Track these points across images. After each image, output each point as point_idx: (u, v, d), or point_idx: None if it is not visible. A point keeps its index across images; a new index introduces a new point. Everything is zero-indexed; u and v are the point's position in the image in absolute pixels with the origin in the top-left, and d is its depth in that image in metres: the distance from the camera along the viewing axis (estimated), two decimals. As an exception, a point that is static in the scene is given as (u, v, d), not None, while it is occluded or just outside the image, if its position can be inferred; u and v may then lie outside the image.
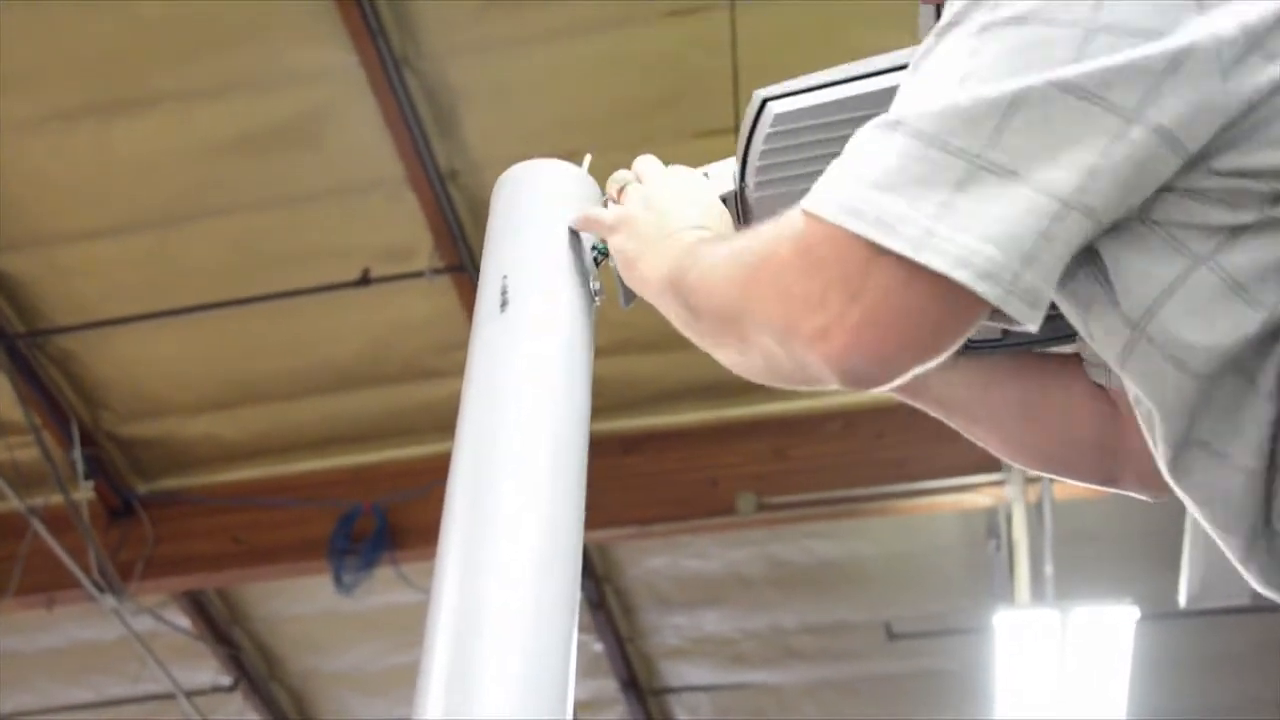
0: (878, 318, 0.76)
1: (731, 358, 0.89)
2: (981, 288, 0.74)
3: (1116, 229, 0.77)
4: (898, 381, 0.80)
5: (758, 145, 1.00)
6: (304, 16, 3.17)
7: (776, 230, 0.82)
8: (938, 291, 0.75)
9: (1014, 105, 0.74)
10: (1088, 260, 0.79)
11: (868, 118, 0.80)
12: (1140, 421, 0.86)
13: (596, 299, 1.02)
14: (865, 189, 0.76)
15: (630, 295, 1.03)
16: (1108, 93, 0.73)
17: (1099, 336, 0.83)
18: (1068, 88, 0.73)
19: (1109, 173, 0.73)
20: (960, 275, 0.74)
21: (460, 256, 3.57)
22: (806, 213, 0.79)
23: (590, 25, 3.18)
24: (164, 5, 3.17)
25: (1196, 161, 0.75)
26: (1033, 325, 0.75)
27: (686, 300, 0.91)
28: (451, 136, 3.43)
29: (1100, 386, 1.06)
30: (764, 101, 1.00)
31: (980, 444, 1.14)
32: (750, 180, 1.02)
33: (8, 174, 3.48)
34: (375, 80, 3.23)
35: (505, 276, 0.99)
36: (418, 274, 3.61)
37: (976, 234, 0.74)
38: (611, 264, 1.03)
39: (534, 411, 0.89)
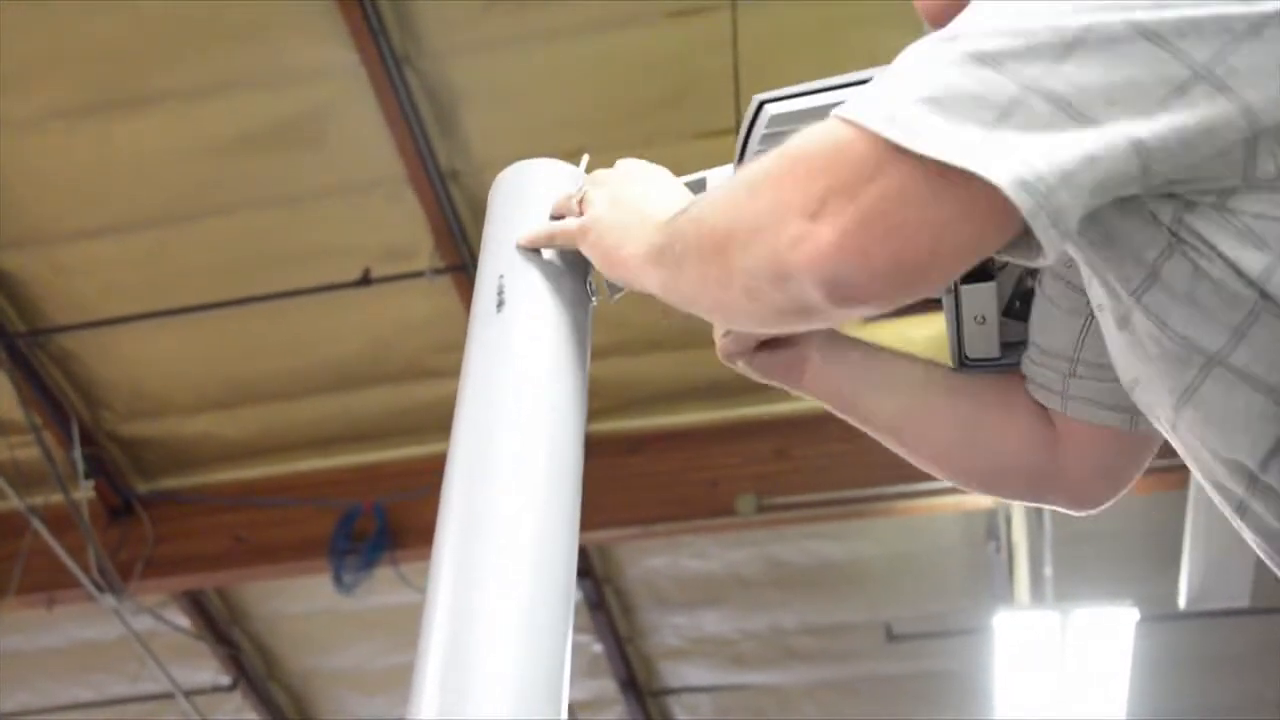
0: (874, 219, 0.72)
1: (712, 297, 0.84)
2: (1016, 195, 0.70)
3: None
4: (879, 305, 0.76)
5: (754, 146, 1.00)
6: (305, 15, 3.17)
7: (791, 142, 0.78)
8: (955, 200, 0.71)
9: (1080, 37, 0.72)
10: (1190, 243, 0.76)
11: None
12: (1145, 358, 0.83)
13: (593, 299, 1.02)
14: (906, 100, 0.73)
15: (616, 288, 1.03)
16: (1181, 42, 0.71)
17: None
18: (1142, 30, 0.71)
19: (1167, 121, 0.71)
20: (1001, 179, 0.70)
21: (461, 256, 3.57)
22: (839, 118, 0.75)
23: (592, 25, 3.18)
24: (164, 4, 3.17)
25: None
26: (1053, 254, 0.72)
27: (672, 250, 0.87)
28: (452, 136, 3.43)
29: (1042, 407, 1.06)
30: (761, 104, 1.00)
31: (907, 457, 1.12)
32: None
33: (8, 172, 3.48)
34: (376, 79, 3.23)
35: (501, 276, 0.99)
36: (418, 274, 3.61)
37: (1020, 151, 0.71)
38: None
39: (530, 412, 0.89)
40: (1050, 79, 0.72)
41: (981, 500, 3.90)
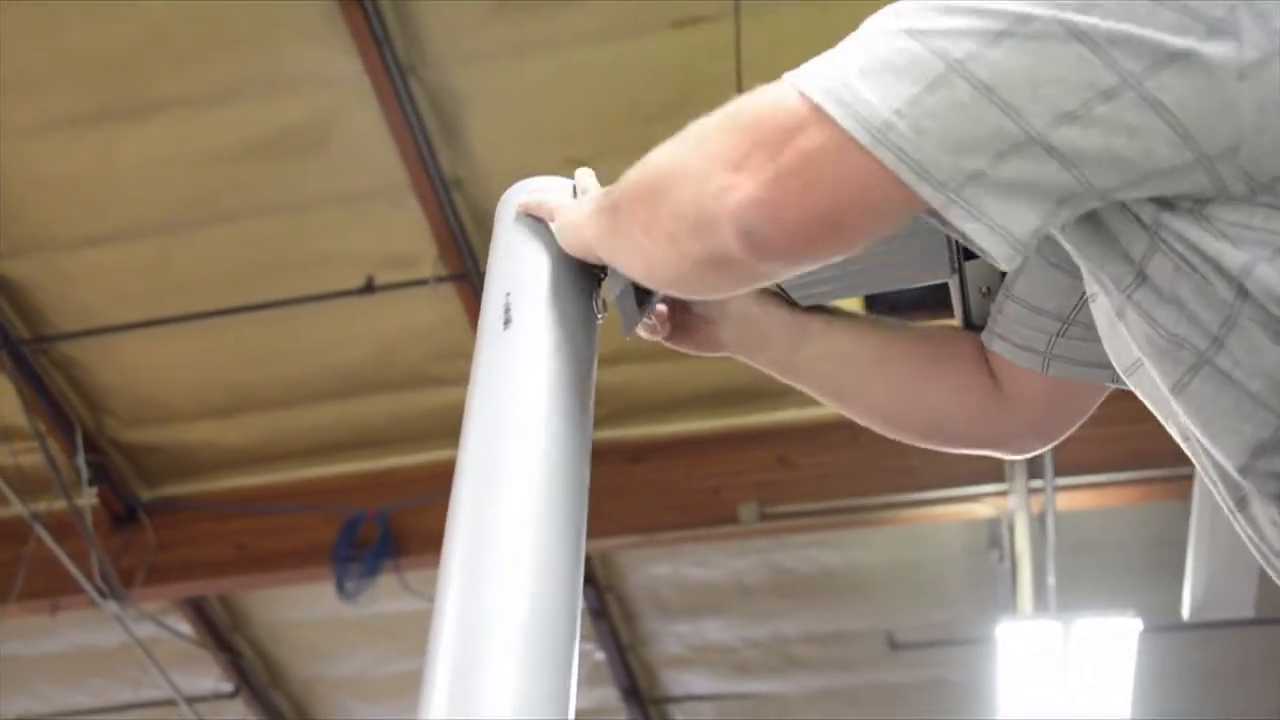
0: (791, 175, 0.75)
1: (635, 242, 0.87)
2: (924, 190, 0.74)
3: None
4: (791, 264, 0.79)
5: None
6: (308, 23, 3.18)
7: (739, 99, 0.81)
8: (867, 170, 0.74)
9: (1012, 27, 0.73)
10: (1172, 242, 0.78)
11: None
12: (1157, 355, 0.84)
13: (599, 316, 1.02)
14: (842, 68, 0.76)
15: (631, 324, 1.04)
16: (1112, 50, 0.73)
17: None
18: (1074, 31, 0.73)
19: (1085, 124, 0.73)
20: (906, 176, 0.74)
21: (464, 264, 3.57)
22: (786, 79, 0.79)
23: (595, 33, 3.19)
24: (169, 12, 3.18)
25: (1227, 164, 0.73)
26: (961, 231, 0.75)
27: (611, 197, 0.90)
28: (456, 144, 3.43)
29: (983, 361, 1.07)
30: None
31: (852, 415, 1.14)
32: None
33: (13, 179, 3.49)
34: (380, 87, 3.24)
35: (508, 294, 1.00)
36: (422, 282, 3.62)
37: (933, 138, 0.73)
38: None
39: (537, 430, 0.90)
40: (975, 63, 0.74)
41: (984, 509, 3.90)
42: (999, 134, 0.74)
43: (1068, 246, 0.87)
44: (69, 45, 3.21)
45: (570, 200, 1.02)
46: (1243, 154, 0.73)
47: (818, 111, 0.76)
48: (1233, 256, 0.75)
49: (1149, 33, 0.72)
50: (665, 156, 0.85)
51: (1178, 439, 0.88)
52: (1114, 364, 0.92)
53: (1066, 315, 1.01)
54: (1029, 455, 1.12)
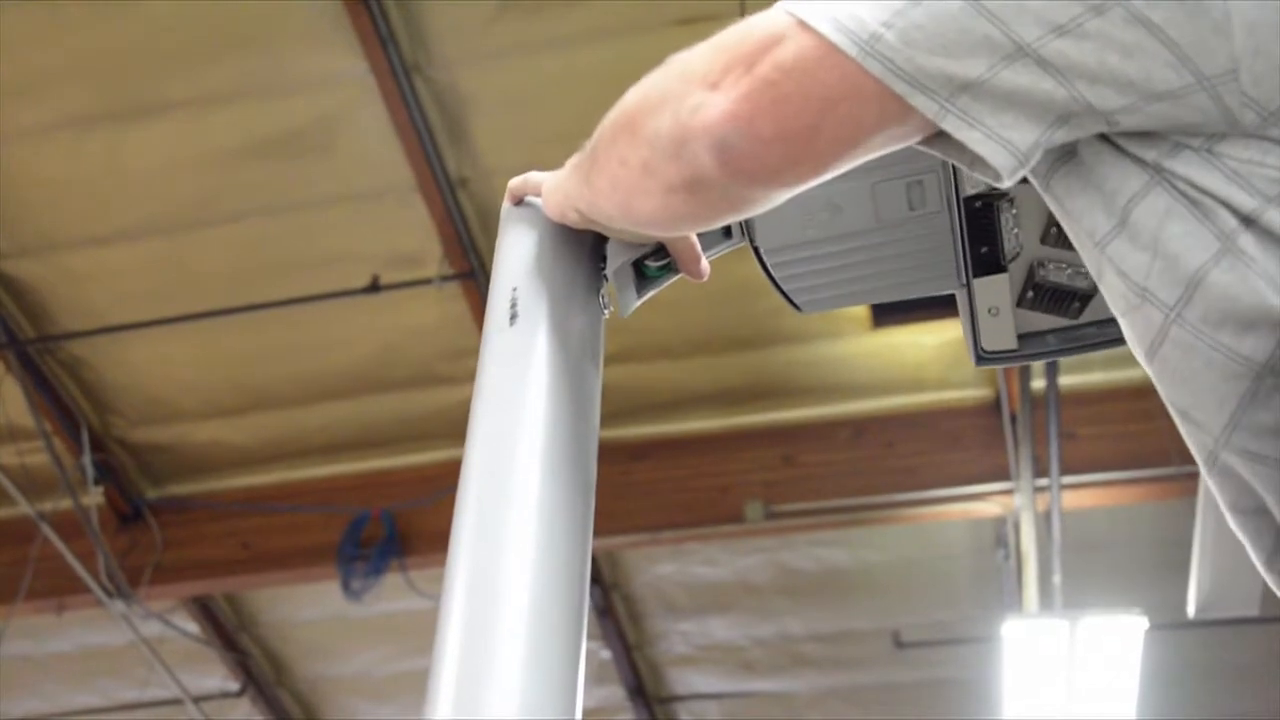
0: (765, 88, 0.74)
1: (611, 175, 0.85)
2: (918, 100, 0.73)
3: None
4: (769, 184, 0.77)
5: None
6: (314, 24, 3.18)
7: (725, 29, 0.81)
8: (846, 79, 0.73)
9: None
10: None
11: None
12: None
13: (605, 311, 1.02)
14: None
15: (628, 304, 1.03)
16: None
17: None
18: None
19: (1076, 38, 0.73)
20: (898, 87, 0.73)
21: (470, 263, 3.57)
22: (777, 6, 0.78)
23: (600, 33, 3.19)
24: (175, 13, 3.19)
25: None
26: (964, 157, 0.74)
27: (591, 141, 0.89)
28: (461, 144, 3.44)
29: None
30: None
31: None
32: None
33: (20, 179, 3.50)
34: (385, 87, 3.24)
35: (515, 289, 1.00)
36: (427, 281, 3.62)
37: (922, 48, 0.73)
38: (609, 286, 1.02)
39: (544, 424, 0.90)
40: None
41: (990, 507, 3.89)
42: (989, 44, 0.73)
43: (1051, 204, 0.87)
44: (76, 46, 3.22)
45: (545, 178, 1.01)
46: (1243, 77, 0.73)
47: (800, 24, 0.75)
48: (1242, 200, 0.74)
49: None
50: (643, 86, 0.84)
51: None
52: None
53: None
54: None
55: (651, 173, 0.81)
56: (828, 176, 0.79)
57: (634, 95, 0.84)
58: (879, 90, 0.74)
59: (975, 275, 1.04)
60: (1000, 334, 1.06)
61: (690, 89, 0.77)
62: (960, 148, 0.75)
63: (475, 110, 3.37)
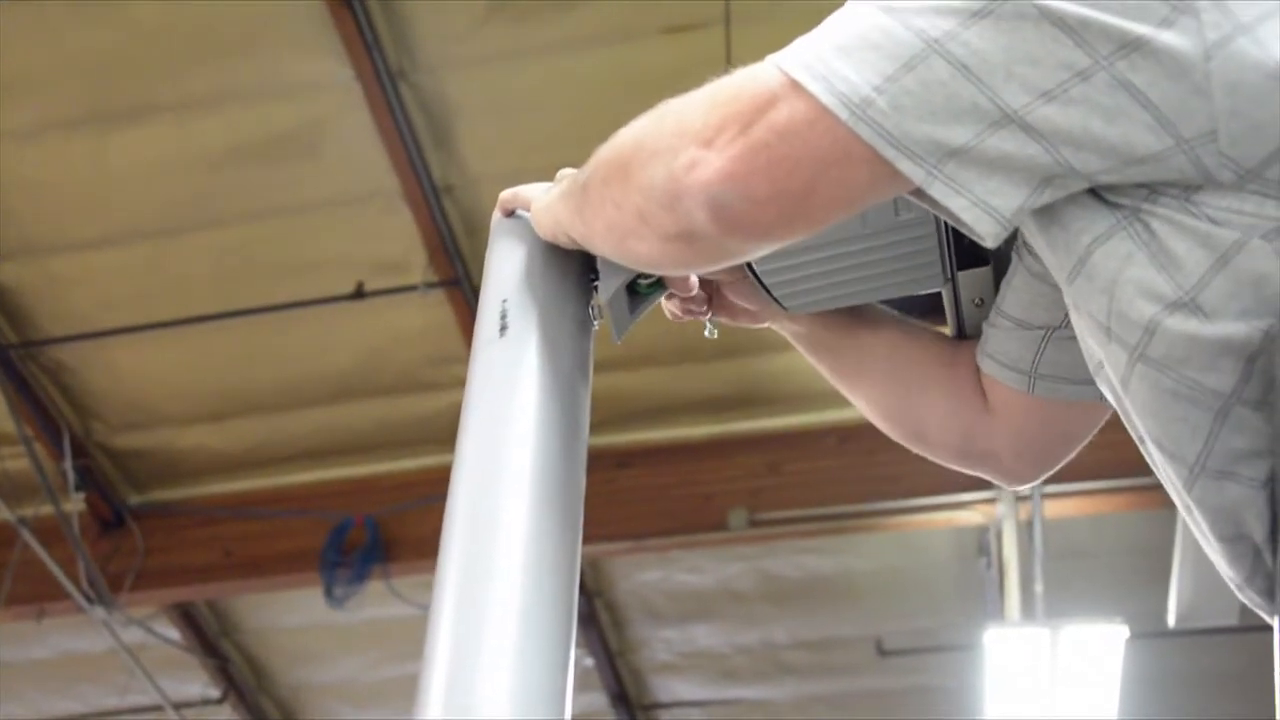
0: (760, 149, 0.76)
1: (607, 218, 0.87)
2: (904, 166, 0.74)
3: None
4: (762, 240, 0.79)
5: None
6: (300, 28, 3.18)
7: (716, 80, 0.82)
8: (838, 143, 0.75)
9: (988, 7, 0.75)
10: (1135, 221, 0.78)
11: None
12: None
13: (595, 323, 1.03)
14: (822, 47, 0.77)
15: (621, 329, 1.04)
16: (1085, 32, 0.74)
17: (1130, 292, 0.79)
18: (1047, 13, 0.74)
19: (1062, 103, 0.74)
20: (888, 153, 0.74)
21: (455, 270, 3.57)
22: (765, 60, 0.79)
23: (587, 41, 3.20)
24: (161, 17, 3.18)
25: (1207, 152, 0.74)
26: (947, 206, 0.75)
27: (584, 174, 0.90)
28: (447, 150, 3.44)
29: (978, 385, 1.06)
30: None
31: (858, 403, 1.13)
32: None
33: (2, 183, 3.48)
34: (371, 93, 3.24)
35: (505, 301, 1.00)
36: (411, 287, 3.62)
37: (912, 115, 0.74)
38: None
39: (533, 435, 0.90)
40: (952, 42, 0.75)
41: (973, 516, 3.91)
42: (977, 111, 0.74)
43: (1025, 231, 0.88)
44: (60, 49, 3.21)
45: (545, 189, 1.02)
46: (1222, 139, 0.74)
47: (794, 86, 0.76)
48: (1221, 236, 0.75)
49: (1111, 19, 0.74)
50: (637, 132, 0.85)
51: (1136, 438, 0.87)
52: (1088, 363, 0.91)
53: (1052, 327, 1.00)
54: (1024, 484, 1.09)
55: (646, 220, 0.83)
56: (821, 230, 0.80)
57: (627, 138, 0.86)
58: (869, 154, 0.75)
59: (959, 268, 1.05)
60: (980, 319, 1.07)
61: (685, 144, 0.79)
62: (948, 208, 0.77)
63: (461, 116, 3.37)
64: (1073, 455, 1.07)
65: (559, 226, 0.96)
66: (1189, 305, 0.76)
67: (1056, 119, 0.74)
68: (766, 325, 1.14)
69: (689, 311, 1.10)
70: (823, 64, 0.76)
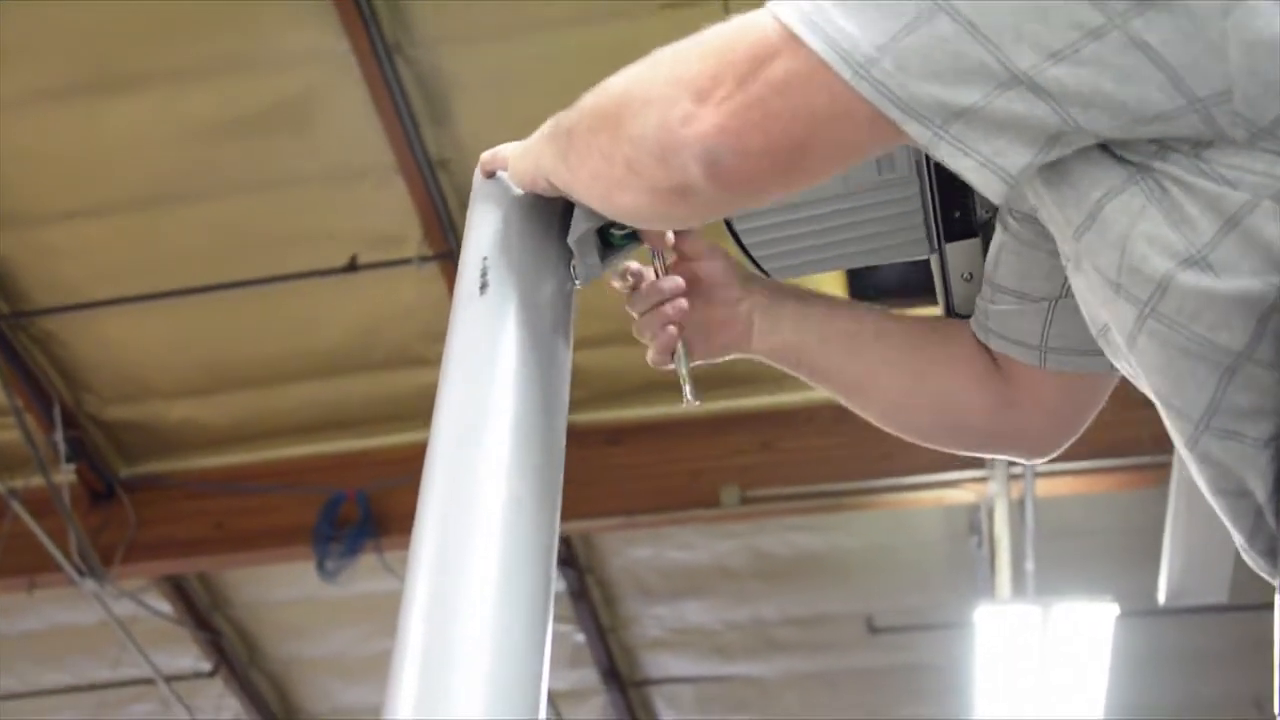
0: (755, 104, 0.74)
1: (592, 168, 0.85)
2: (911, 128, 0.73)
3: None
4: (756, 193, 0.77)
5: None
6: (296, 0, 3.15)
7: (710, 28, 0.80)
8: (836, 99, 0.73)
9: None
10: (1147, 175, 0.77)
11: None
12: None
13: (576, 283, 1.02)
14: (823, 1, 0.75)
15: (589, 275, 1.01)
16: None
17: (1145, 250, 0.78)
18: None
19: (1072, 64, 0.72)
20: (892, 113, 0.73)
21: (449, 244, 3.56)
22: (769, 9, 0.77)
23: (584, 15, 3.17)
24: (154, -14, 3.15)
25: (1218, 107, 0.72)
26: (957, 167, 0.74)
27: (569, 119, 0.88)
28: (442, 124, 3.42)
29: (989, 357, 1.04)
30: None
31: (862, 414, 1.11)
32: None
33: (-7, 153, 3.46)
34: (366, 66, 3.22)
35: (485, 259, 1.00)
36: (406, 261, 3.60)
37: (916, 74, 0.72)
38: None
39: (511, 395, 0.90)
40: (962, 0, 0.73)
41: (964, 494, 3.92)
42: (985, 71, 0.73)
43: (1030, 194, 0.86)
44: (52, 18, 3.18)
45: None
46: (1236, 97, 0.73)
47: (792, 39, 0.74)
48: (1232, 198, 0.74)
49: None
50: (628, 80, 0.83)
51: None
52: (1090, 328, 0.90)
53: (1055, 298, 0.98)
54: (1051, 455, 1.07)
55: (636, 172, 0.81)
56: (815, 183, 0.79)
57: (618, 87, 0.84)
58: (871, 114, 0.74)
59: (947, 240, 1.04)
60: (973, 299, 1.05)
61: (678, 95, 0.77)
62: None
63: (457, 91, 3.35)
64: (1093, 419, 1.05)
65: (539, 171, 0.94)
66: (1201, 262, 0.75)
67: (1066, 80, 0.73)
68: (752, 355, 1.11)
69: (664, 360, 1.07)
70: (823, 17, 0.74)
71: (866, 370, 1.08)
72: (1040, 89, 0.73)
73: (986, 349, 1.05)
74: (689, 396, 1.05)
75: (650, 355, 1.03)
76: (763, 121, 0.74)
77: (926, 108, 0.73)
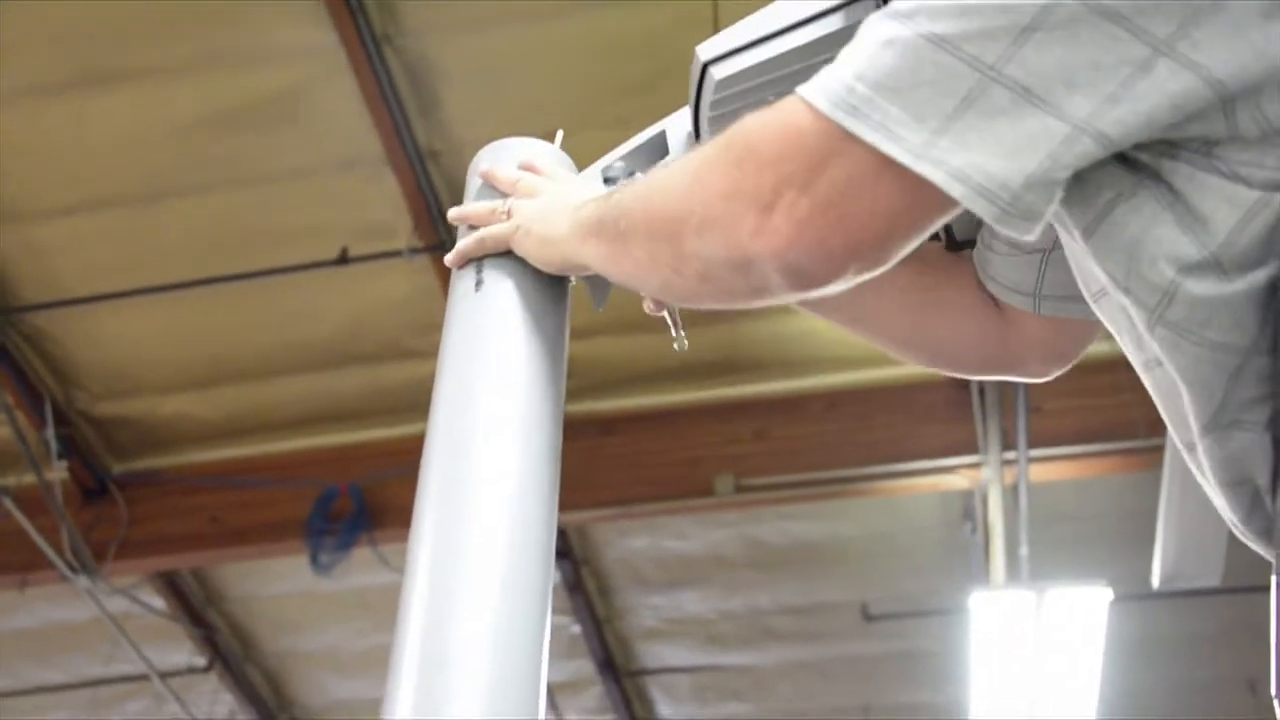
0: (828, 209, 0.74)
1: (661, 277, 0.85)
2: (978, 205, 0.72)
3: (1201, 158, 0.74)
4: (840, 285, 0.78)
5: (705, 110, 1.00)
6: (282, -8, 3.14)
7: (744, 126, 0.78)
8: (906, 191, 0.73)
9: (1038, 20, 0.71)
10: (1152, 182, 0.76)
11: (813, 67, 0.78)
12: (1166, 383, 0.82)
13: (571, 279, 1.02)
14: (864, 86, 0.73)
15: (602, 298, 1.03)
16: (1140, 19, 0.70)
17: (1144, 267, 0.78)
18: (1100, 9, 0.71)
19: (1129, 102, 0.71)
20: (956, 191, 0.72)
21: (440, 236, 3.55)
22: (802, 99, 0.75)
23: (573, 5, 3.16)
24: (140, -20, 3.13)
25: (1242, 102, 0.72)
26: (1029, 237, 0.75)
27: (616, 226, 0.87)
28: (432, 116, 3.41)
29: (990, 297, 1.05)
30: (705, 66, 0.99)
31: (863, 338, 1.11)
32: (705, 138, 1.02)
33: (-19, 149, 3.44)
34: (355, 58, 3.21)
35: (482, 258, 1.00)
36: (396, 253, 3.59)
37: (979, 151, 0.71)
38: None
39: (508, 392, 0.89)
40: (1009, 65, 0.71)
41: (958, 480, 3.92)
42: (1046, 134, 0.72)
43: None
44: (40, 13, 3.16)
45: (528, 205, 0.99)
46: (1264, 96, 0.72)
47: (847, 137, 0.73)
48: (1245, 193, 0.74)
49: None
50: (676, 193, 0.82)
51: (1139, 369, 0.86)
52: (1083, 291, 0.90)
53: (1048, 250, 0.99)
54: (1047, 378, 1.09)
55: (710, 282, 0.82)
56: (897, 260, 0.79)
57: (669, 201, 0.83)
58: (939, 196, 0.73)
59: None
60: (972, 224, 1.05)
61: (742, 212, 0.76)
62: None
63: (446, 81, 3.34)
64: (1092, 344, 1.07)
65: (574, 265, 0.95)
66: (1210, 264, 0.75)
67: (1127, 119, 0.72)
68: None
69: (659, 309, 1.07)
70: (873, 108, 0.72)
71: (875, 305, 1.08)
72: (1102, 135, 0.72)
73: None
74: (678, 337, 1.06)
75: (646, 304, 1.03)
76: (839, 223, 0.74)
77: (994, 182, 0.72)
